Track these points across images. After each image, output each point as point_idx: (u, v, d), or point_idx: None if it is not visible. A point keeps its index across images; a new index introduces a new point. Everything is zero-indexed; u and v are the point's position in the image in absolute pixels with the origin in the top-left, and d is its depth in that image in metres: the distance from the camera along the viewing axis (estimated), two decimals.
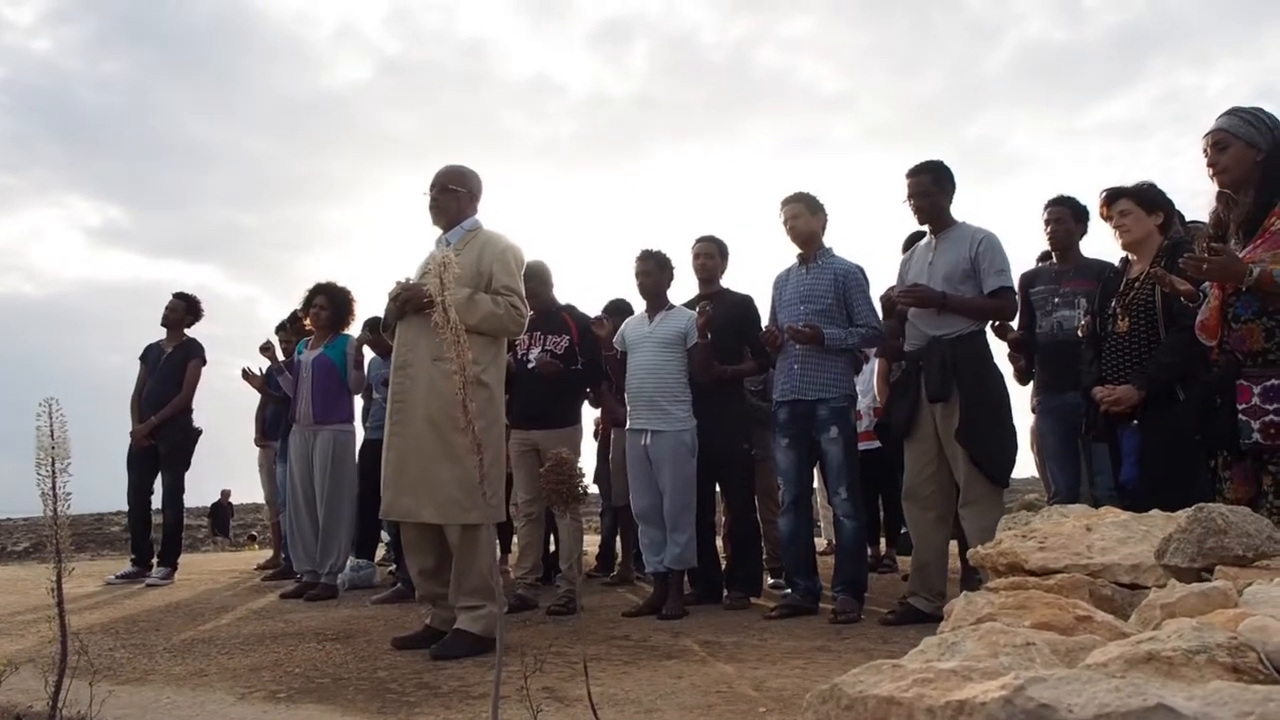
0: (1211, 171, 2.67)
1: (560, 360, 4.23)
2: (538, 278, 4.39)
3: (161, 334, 5.92)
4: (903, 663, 0.66)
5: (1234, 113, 2.65)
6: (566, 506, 1.37)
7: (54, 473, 1.82)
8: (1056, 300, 3.86)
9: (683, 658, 3.00)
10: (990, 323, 3.77)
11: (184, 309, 5.88)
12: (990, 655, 0.75)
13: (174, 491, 5.67)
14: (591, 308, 5.08)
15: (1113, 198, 3.23)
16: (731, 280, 4.52)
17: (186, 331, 5.92)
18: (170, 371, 5.71)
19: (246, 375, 5.75)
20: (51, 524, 1.86)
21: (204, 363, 5.82)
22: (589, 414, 5.73)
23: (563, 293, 4.63)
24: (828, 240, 4.06)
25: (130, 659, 3.17)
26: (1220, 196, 2.68)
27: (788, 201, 4.04)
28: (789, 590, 3.98)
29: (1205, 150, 2.68)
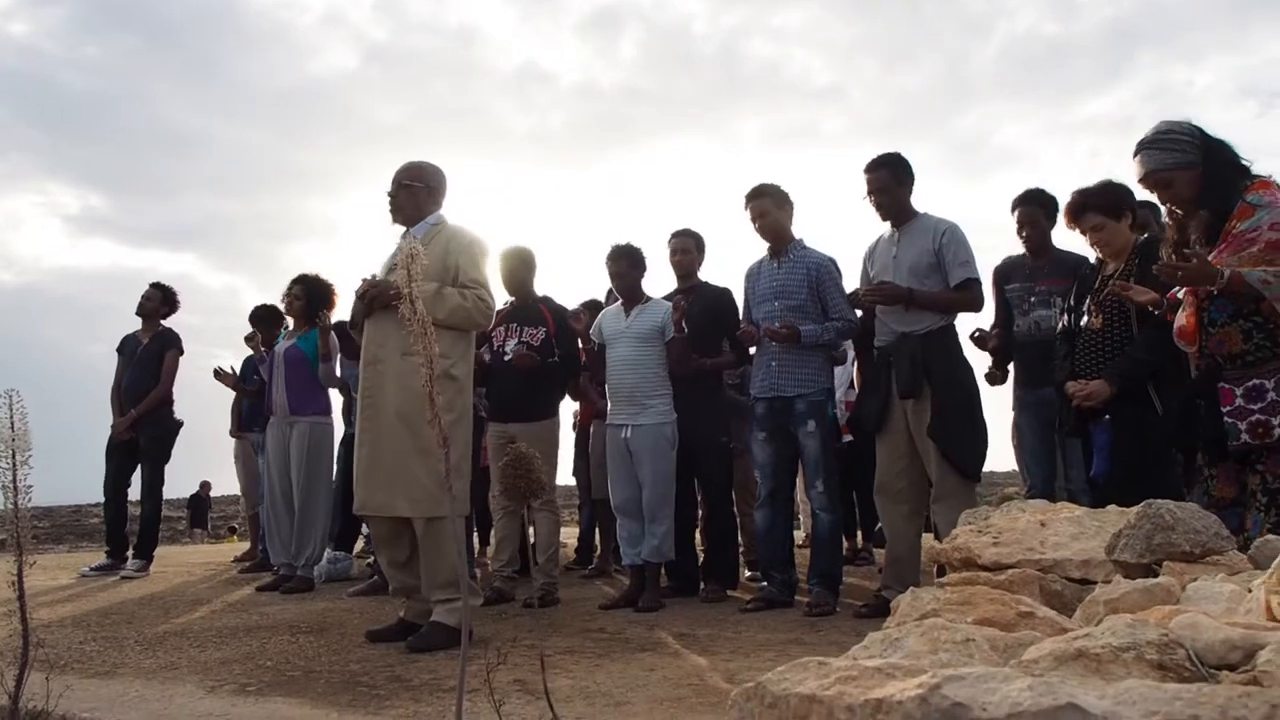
0: (1169, 208, 2.70)
1: (537, 352, 4.21)
2: (525, 264, 4.39)
3: (138, 324, 5.86)
4: (829, 660, 0.66)
5: (1154, 145, 2.63)
6: (524, 500, 1.37)
7: (14, 465, 1.80)
8: (1033, 299, 3.86)
9: (656, 650, 3.00)
10: (972, 335, 3.77)
11: (160, 298, 5.82)
12: (930, 651, 0.76)
13: (153, 484, 5.62)
14: (578, 299, 5.06)
15: (1079, 211, 3.20)
16: (715, 271, 4.51)
17: (163, 322, 5.85)
18: (148, 362, 5.65)
19: (219, 375, 5.72)
20: (13, 517, 1.85)
21: (181, 353, 5.77)
22: (568, 406, 5.73)
23: (549, 284, 4.61)
24: (804, 230, 4.04)
25: (100, 652, 3.14)
26: (1171, 215, 2.71)
27: (752, 197, 3.96)
28: (765, 583, 3.99)
29: (1149, 190, 2.71)
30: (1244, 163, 2.60)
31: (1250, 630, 0.71)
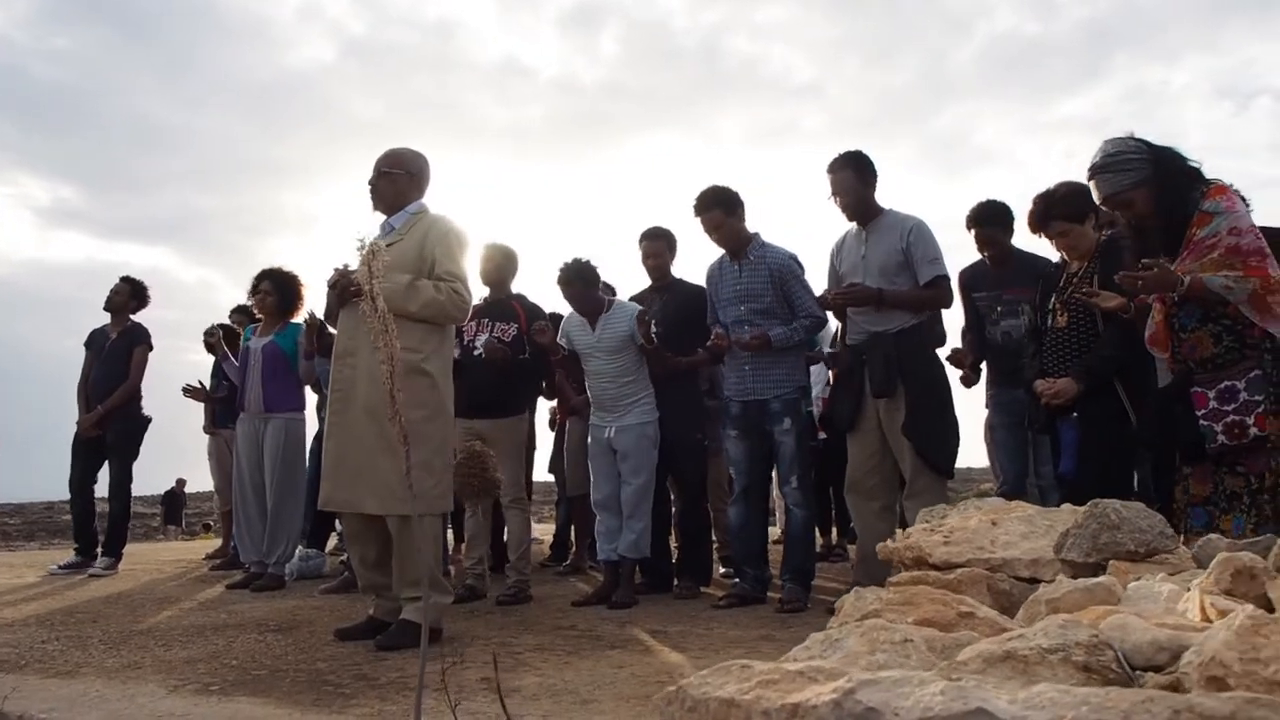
0: (1134, 223, 2.73)
1: (508, 348, 4.16)
2: (509, 261, 4.38)
3: (106, 319, 5.78)
4: (753, 663, 0.66)
5: (1108, 169, 2.66)
6: (479, 498, 1.36)
7: None
8: (1000, 309, 3.89)
9: (627, 647, 3.00)
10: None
11: (129, 293, 5.72)
12: (869, 652, 0.76)
13: (121, 481, 5.53)
14: (556, 296, 5.03)
15: (1044, 219, 3.21)
16: (694, 267, 4.42)
17: (132, 317, 5.77)
18: (116, 358, 5.56)
19: (188, 392, 5.66)
20: None
21: (150, 348, 5.68)
22: (547, 403, 5.72)
23: (530, 281, 4.59)
24: (784, 227, 4.05)
25: (63, 651, 3.10)
26: (1131, 226, 2.75)
27: (702, 209, 3.87)
28: (738, 580, 4.00)
29: (1111, 209, 2.75)
30: (1193, 165, 2.65)
31: (1178, 632, 0.71)
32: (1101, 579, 0.98)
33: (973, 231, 3.95)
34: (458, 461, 1.43)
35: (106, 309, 5.70)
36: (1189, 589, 0.88)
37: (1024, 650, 0.66)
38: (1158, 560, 1.12)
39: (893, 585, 1.15)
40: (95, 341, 5.71)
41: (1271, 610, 0.78)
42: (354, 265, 3.27)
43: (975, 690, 0.53)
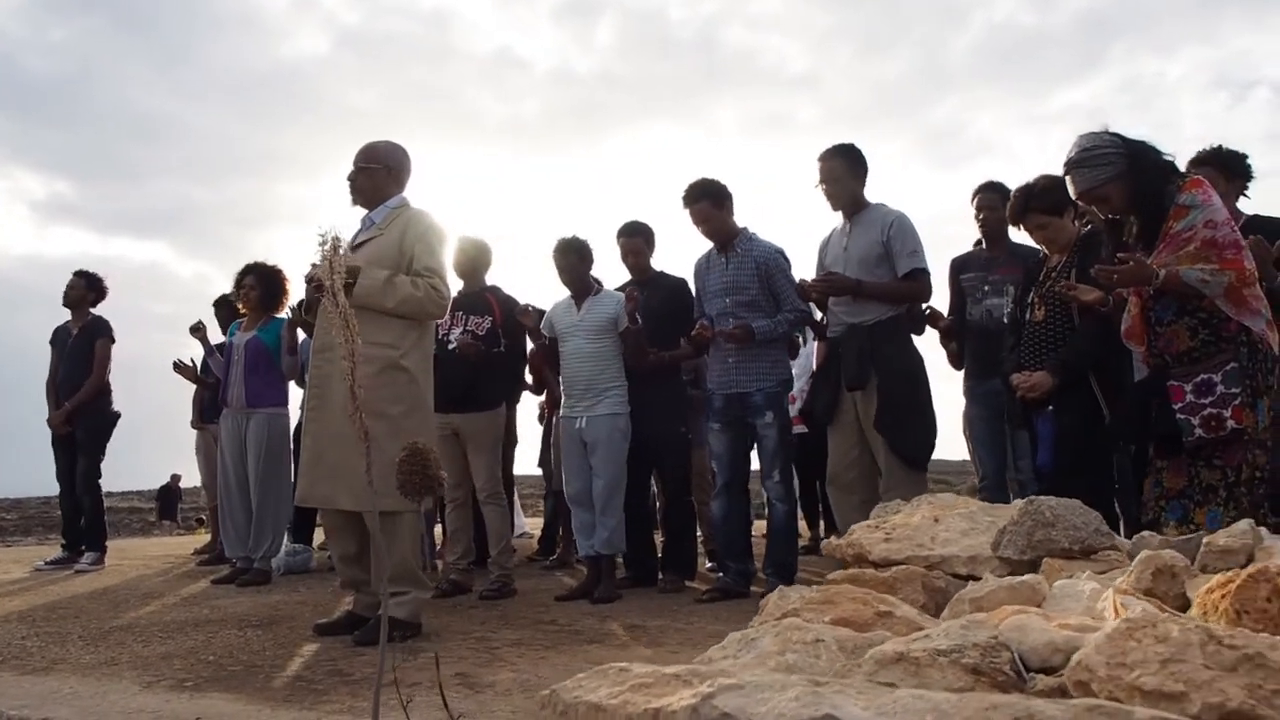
0: (1110, 217, 2.73)
1: (482, 342, 4.14)
2: (482, 254, 4.38)
3: (114, 313, 5.76)
4: (631, 666, 0.65)
5: (1083, 164, 2.65)
6: (421, 497, 1.35)
7: None
8: (986, 288, 3.89)
9: (605, 642, 3.00)
10: (919, 313, 3.77)
11: (84, 286, 5.67)
12: (779, 652, 0.75)
13: (90, 477, 5.50)
14: (550, 288, 5.02)
15: (1022, 212, 3.21)
16: (682, 258, 4.42)
17: (92, 310, 5.71)
18: (80, 353, 5.52)
19: (178, 368, 5.63)
20: None
21: (112, 341, 5.63)
22: (534, 398, 5.72)
23: (528, 276, 4.57)
24: (777, 219, 4.04)
25: (41, 648, 3.10)
26: (1106, 224, 2.74)
27: (691, 201, 3.87)
28: (721, 574, 4.00)
29: (1087, 204, 2.75)
30: (1167, 159, 2.64)
31: (1076, 633, 0.70)
32: (1026, 577, 0.98)
33: (975, 200, 3.99)
34: (400, 459, 1.43)
35: (65, 304, 5.66)
36: (1111, 587, 0.88)
37: (917, 652, 0.65)
38: (1094, 557, 1.12)
39: (823, 583, 1.14)
40: (59, 338, 5.68)
41: (1187, 609, 0.78)
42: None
43: (830, 696, 0.52)
